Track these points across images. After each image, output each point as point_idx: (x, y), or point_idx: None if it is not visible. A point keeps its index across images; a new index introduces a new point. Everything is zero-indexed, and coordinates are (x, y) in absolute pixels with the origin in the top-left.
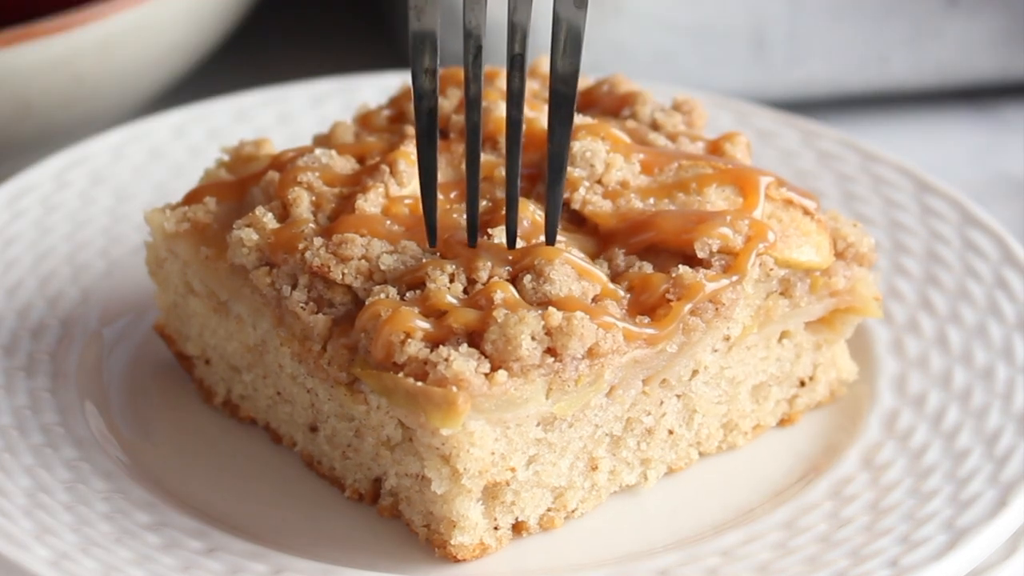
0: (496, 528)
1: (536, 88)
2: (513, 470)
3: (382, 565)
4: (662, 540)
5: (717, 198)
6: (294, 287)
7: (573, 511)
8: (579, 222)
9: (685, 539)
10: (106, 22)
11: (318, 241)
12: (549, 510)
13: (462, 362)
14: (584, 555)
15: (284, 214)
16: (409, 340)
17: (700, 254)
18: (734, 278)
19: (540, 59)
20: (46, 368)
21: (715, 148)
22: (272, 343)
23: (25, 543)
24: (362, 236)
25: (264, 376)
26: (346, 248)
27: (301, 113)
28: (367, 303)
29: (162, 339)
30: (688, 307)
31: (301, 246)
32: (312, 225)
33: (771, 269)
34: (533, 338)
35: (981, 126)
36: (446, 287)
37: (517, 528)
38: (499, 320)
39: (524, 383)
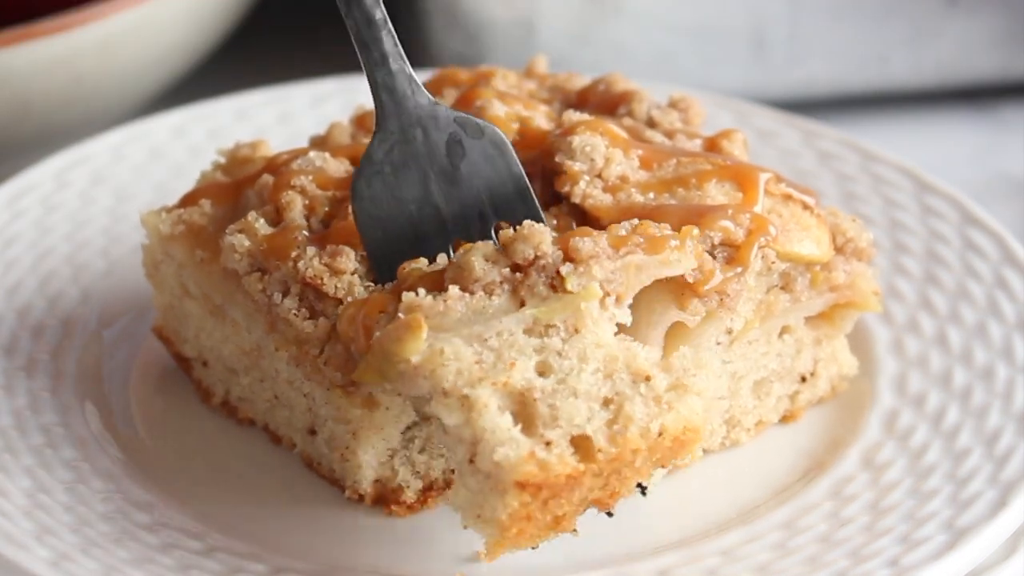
0: (548, 444)
1: (532, 88)
2: (513, 365)
3: (382, 565)
4: (666, 538)
5: (717, 193)
6: (285, 294)
7: (648, 429)
8: (579, 216)
9: (687, 538)
10: (106, 22)
11: (311, 250)
12: (611, 424)
13: (410, 294)
14: (584, 555)
15: (277, 218)
16: (383, 315)
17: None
18: (738, 270)
19: (537, 58)
20: (46, 368)
21: (712, 145)
22: (267, 348)
23: (25, 543)
24: (356, 250)
25: (261, 380)
26: (340, 261)
27: (301, 113)
28: (339, 313)
29: (160, 341)
30: (696, 231)
31: (294, 254)
32: (305, 232)
33: (772, 262)
34: (487, 259)
35: (981, 126)
36: (420, 269)
37: (582, 446)
38: (452, 261)
39: (486, 297)
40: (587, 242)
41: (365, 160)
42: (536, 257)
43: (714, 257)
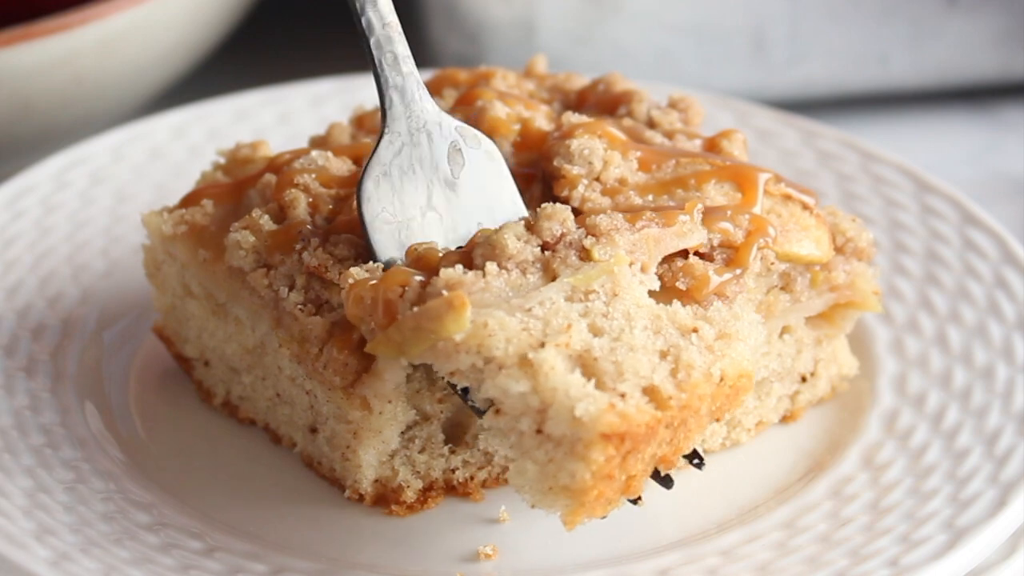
0: (623, 396)
1: (532, 88)
2: (569, 327)
3: (382, 565)
4: (665, 538)
5: (716, 194)
6: (291, 288)
7: (710, 373)
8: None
9: (686, 538)
10: (106, 22)
11: (315, 242)
12: (674, 373)
13: (450, 270)
14: (584, 555)
15: (281, 216)
16: (406, 289)
17: (702, 248)
18: (737, 271)
19: (536, 58)
20: (46, 368)
21: (712, 145)
22: (271, 345)
23: (25, 543)
24: (360, 238)
25: (263, 378)
26: (343, 249)
27: (301, 113)
28: (345, 293)
29: (161, 341)
30: (700, 206)
31: (298, 247)
32: (309, 226)
33: (772, 263)
34: (518, 238)
35: (981, 126)
36: (434, 249)
37: (654, 396)
38: (481, 240)
39: (521, 275)
40: (604, 218)
41: (374, 160)
42: (563, 233)
43: (713, 259)
